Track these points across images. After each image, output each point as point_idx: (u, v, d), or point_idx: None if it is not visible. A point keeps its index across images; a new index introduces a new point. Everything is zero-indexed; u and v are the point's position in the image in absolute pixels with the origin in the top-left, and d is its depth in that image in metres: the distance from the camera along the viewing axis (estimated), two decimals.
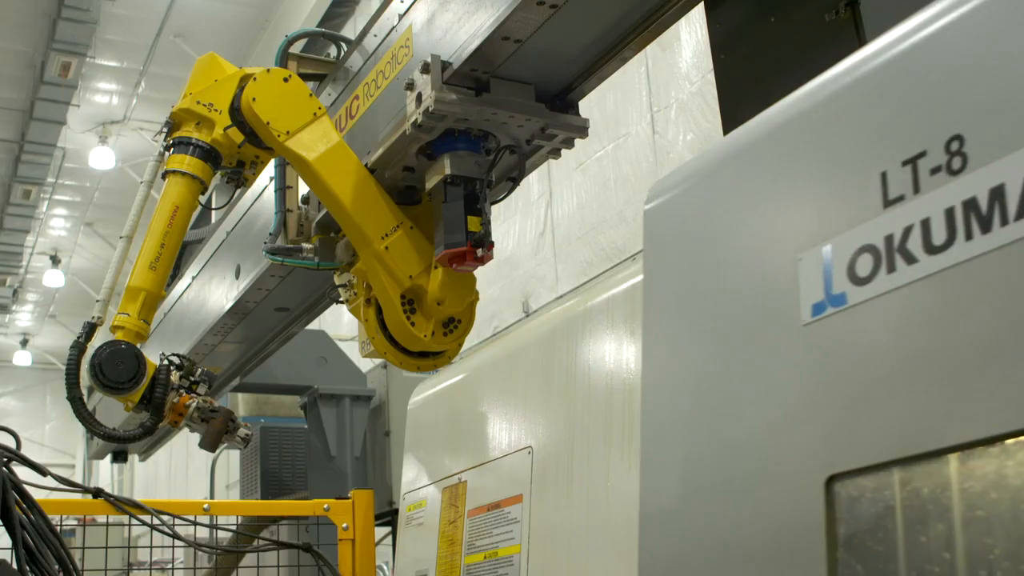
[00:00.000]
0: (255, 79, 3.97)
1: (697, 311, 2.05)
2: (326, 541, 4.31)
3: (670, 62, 9.44)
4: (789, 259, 1.82)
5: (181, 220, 4.34)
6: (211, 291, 6.63)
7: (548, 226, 10.86)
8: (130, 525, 4.33)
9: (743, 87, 3.46)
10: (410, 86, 3.63)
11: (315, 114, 3.96)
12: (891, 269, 1.66)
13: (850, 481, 1.67)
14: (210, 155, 4.47)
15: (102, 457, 11.44)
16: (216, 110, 4.46)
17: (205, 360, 7.48)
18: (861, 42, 3.60)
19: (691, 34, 9.12)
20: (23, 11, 17.61)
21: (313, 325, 7.61)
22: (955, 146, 1.59)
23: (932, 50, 1.71)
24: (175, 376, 4.23)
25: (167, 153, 4.53)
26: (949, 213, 1.56)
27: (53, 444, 34.83)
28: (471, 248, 3.61)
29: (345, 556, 4.23)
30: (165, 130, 4.59)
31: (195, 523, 4.16)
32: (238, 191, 5.80)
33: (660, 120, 9.54)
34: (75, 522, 4.71)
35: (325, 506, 4.28)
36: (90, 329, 4.27)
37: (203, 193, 4.53)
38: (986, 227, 1.51)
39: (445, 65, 3.57)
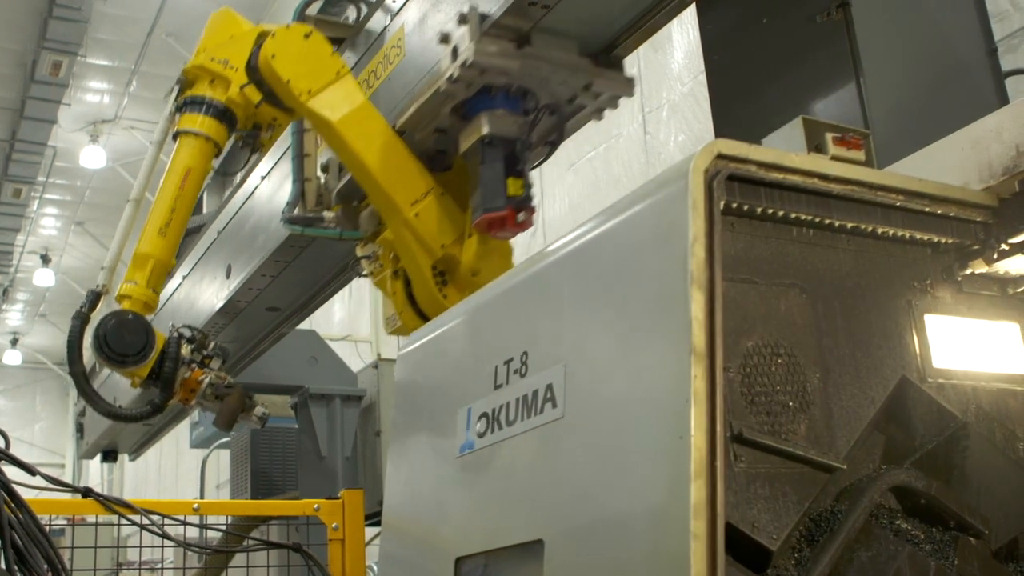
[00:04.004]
0: (274, 35, 3.75)
1: (413, 437, 3.27)
2: (316, 541, 4.30)
3: (661, 63, 9.44)
4: (457, 415, 2.95)
5: (193, 184, 4.04)
6: (202, 290, 6.61)
7: (540, 227, 10.84)
8: (119, 525, 4.31)
9: (735, 88, 3.46)
10: (445, 39, 3.39)
11: (338, 73, 3.72)
12: (494, 429, 2.77)
13: (469, 560, 2.78)
14: (225, 115, 4.19)
15: (92, 457, 11.41)
16: (232, 67, 4.16)
17: None
18: (852, 43, 3.61)
19: (683, 35, 9.12)
20: (14, 9, 17.56)
21: (304, 325, 7.59)
22: (524, 357, 2.69)
23: (512, 301, 2.94)
24: (186, 349, 3.93)
25: (178, 114, 4.23)
26: (519, 400, 2.68)
27: (43, 444, 34.71)
28: (511, 212, 3.41)
29: (335, 556, 4.22)
30: (177, 88, 4.30)
31: (184, 523, 4.14)
32: (253, 158, 5.52)
33: (652, 121, 9.54)
34: (64, 522, 4.67)
35: (315, 506, 4.27)
36: (94, 298, 4.00)
37: (217, 156, 4.25)
38: (534, 412, 2.62)
39: (483, 17, 3.33)
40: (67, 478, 14.51)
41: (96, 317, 3.99)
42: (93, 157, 22.02)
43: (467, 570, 2.83)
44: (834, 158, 2.72)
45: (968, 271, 2.75)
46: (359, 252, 4.07)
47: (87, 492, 3.84)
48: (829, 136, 2.78)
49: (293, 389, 8.30)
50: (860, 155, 2.77)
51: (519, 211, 3.39)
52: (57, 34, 17.43)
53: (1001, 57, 4.77)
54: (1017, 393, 2.75)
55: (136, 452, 10.74)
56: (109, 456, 11.25)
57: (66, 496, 3.83)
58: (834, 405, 2.44)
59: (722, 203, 2.34)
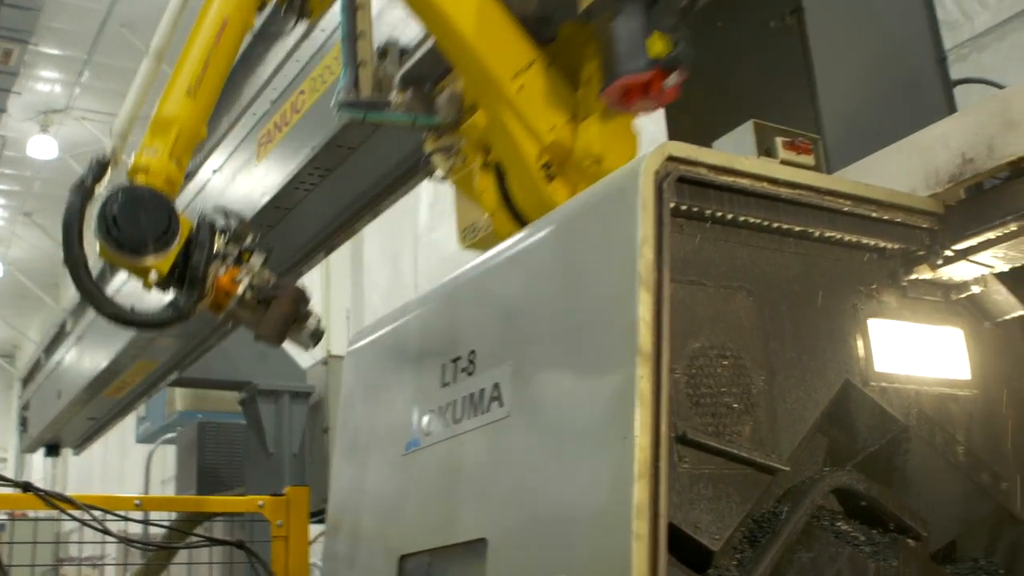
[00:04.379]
0: None
1: (360, 434, 3.27)
2: (261, 538, 4.26)
3: None
4: (404, 412, 2.96)
5: (231, 39, 3.13)
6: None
7: None
8: (61, 520, 4.25)
9: (688, 91, 3.46)
10: None
11: None
12: (440, 428, 2.78)
13: (413, 558, 2.81)
14: None
15: (35, 450, 11.26)
16: None
17: (143, 354, 7.37)
18: (805, 49, 3.64)
19: None
20: None
21: None
22: (472, 356, 2.70)
23: (461, 299, 2.97)
24: (219, 241, 3.05)
25: None
26: (466, 398, 2.69)
27: None
28: (658, 74, 2.82)
29: (279, 554, 4.18)
30: None
31: (127, 519, 4.09)
32: (299, 28, 4.58)
33: None
34: (4, 517, 4.60)
35: (259, 502, 4.23)
36: (99, 168, 3.00)
37: (260, 10, 3.29)
38: (480, 410, 2.63)
39: None
40: (9, 473, 14.29)
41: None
42: (43, 147, 21.72)
43: (411, 568, 2.83)
44: (784, 162, 2.74)
45: (913, 276, 2.78)
46: (431, 146, 3.40)
47: (27, 487, 3.77)
48: (779, 140, 2.79)
49: (241, 385, 8.25)
50: (810, 160, 2.79)
51: (666, 74, 2.76)
52: (8, 21, 17.15)
53: (951, 66, 4.83)
54: (958, 398, 2.78)
55: (80, 446, 10.59)
56: (52, 450, 11.10)
57: (6, 491, 3.77)
58: (779, 407, 2.45)
59: (672, 205, 2.35)
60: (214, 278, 2.99)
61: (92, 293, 2.96)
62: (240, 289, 3.00)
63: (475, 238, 3.25)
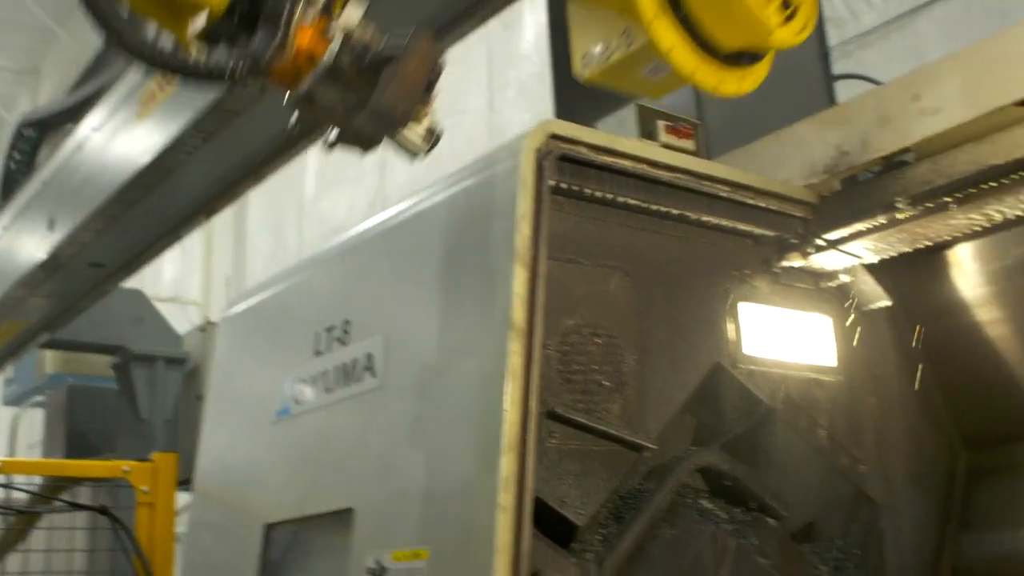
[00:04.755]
0: None
1: (231, 401, 3.26)
2: (128, 505, 4.17)
3: (511, 42, 9.47)
4: (275, 380, 2.95)
5: None
6: (22, 242, 6.33)
7: (379, 196, 10.76)
8: None
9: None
10: None
11: None
12: (312, 396, 2.76)
13: (279, 527, 2.80)
14: None
15: None
16: None
17: (12, 314, 7.15)
18: None
19: (534, 15, 9.17)
20: None
21: (130, 283, 7.34)
22: (346, 326, 2.69)
23: (338, 268, 2.99)
24: None
25: None
26: (338, 368, 2.68)
27: None
28: None
29: (143, 521, 4.09)
30: None
31: None
32: None
33: (498, 99, 9.57)
34: None
35: (125, 468, 4.14)
36: None
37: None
38: (353, 380, 2.62)
39: None
40: None
41: None
42: None
43: (277, 537, 2.80)
44: (664, 146, 2.76)
45: (785, 263, 2.84)
46: None
47: None
48: (661, 124, 2.82)
49: (114, 349, 8.05)
50: (690, 144, 2.82)
51: None
52: None
53: (836, 61, 4.93)
54: (823, 383, 2.85)
55: None
56: None
57: None
58: (649, 387, 2.49)
59: (552, 183, 2.36)
60: (295, 31, 1.96)
61: (111, 23, 1.96)
62: (334, 47, 1.98)
63: (602, 64, 2.36)
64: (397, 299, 2.60)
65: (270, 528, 2.81)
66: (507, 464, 2.07)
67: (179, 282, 14.70)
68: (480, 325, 2.29)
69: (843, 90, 4.45)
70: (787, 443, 2.75)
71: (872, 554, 2.83)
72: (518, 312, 2.17)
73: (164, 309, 8.97)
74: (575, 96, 3.93)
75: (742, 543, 2.56)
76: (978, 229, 2.69)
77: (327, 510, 2.60)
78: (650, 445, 2.45)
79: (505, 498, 2.05)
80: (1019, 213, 2.58)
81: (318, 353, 2.77)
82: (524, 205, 2.27)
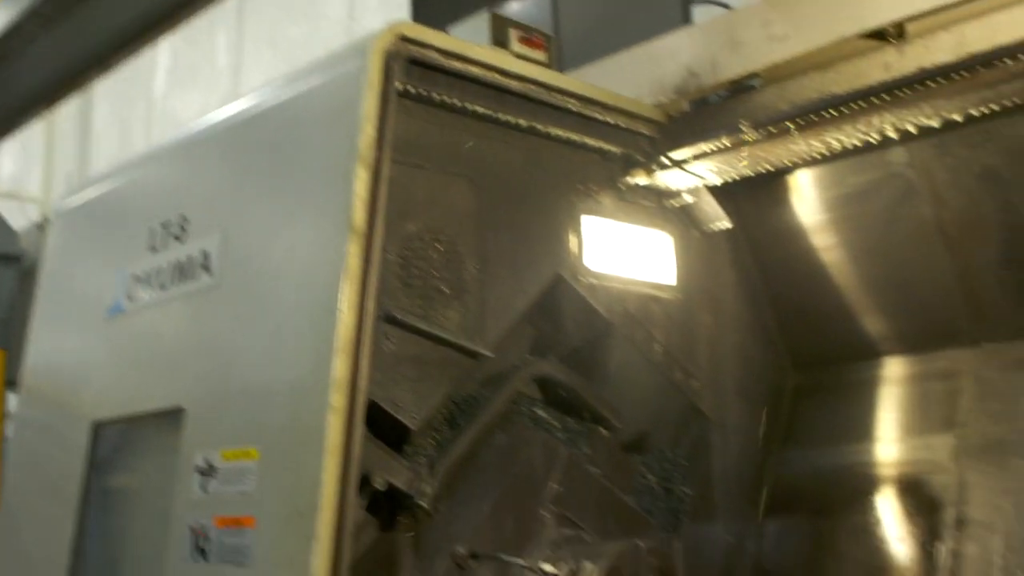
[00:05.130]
0: None
1: (62, 296, 3.14)
2: None
3: None
4: (108, 276, 2.85)
5: None
6: None
7: (233, 99, 10.46)
8: None
9: None
10: None
11: None
12: (145, 293, 2.69)
13: (108, 425, 2.74)
14: None
15: None
16: None
17: None
18: None
19: None
20: None
21: None
22: (183, 222, 2.62)
23: (177, 162, 2.90)
24: None
25: None
26: (173, 264, 2.61)
27: None
28: None
29: None
30: None
31: None
32: None
33: (359, 6, 9.36)
34: None
35: None
36: None
37: None
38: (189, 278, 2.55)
39: None
40: None
41: None
42: None
43: (105, 435, 2.74)
44: (517, 56, 2.73)
45: (630, 180, 2.86)
46: None
47: None
48: (514, 33, 2.78)
49: None
50: (542, 56, 2.80)
51: None
52: None
53: None
54: (661, 300, 2.91)
55: None
56: None
57: None
58: (489, 295, 2.49)
59: (399, 86, 2.32)
60: None
61: None
62: None
63: None
64: (236, 197, 2.53)
65: (98, 426, 2.75)
66: (340, 365, 2.06)
67: (18, 177, 14.11)
68: (319, 226, 2.25)
69: (701, 15, 4.49)
70: (623, 356, 2.80)
71: (700, 466, 2.93)
72: (358, 214, 2.14)
73: (1, 204, 8.61)
74: (433, 6, 3.88)
75: (574, 452, 2.61)
76: (818, 156, 2.75)
77: (157, 409, 2.54)
78: (487, 353, 2.46)
79: (337, 399, 2.04)
80: (856, 142, 2.65)
81: (153, 249, 2.69)
82: (369, 106, 2.22)
